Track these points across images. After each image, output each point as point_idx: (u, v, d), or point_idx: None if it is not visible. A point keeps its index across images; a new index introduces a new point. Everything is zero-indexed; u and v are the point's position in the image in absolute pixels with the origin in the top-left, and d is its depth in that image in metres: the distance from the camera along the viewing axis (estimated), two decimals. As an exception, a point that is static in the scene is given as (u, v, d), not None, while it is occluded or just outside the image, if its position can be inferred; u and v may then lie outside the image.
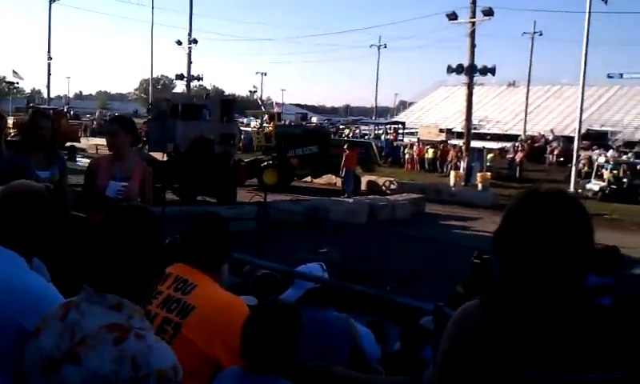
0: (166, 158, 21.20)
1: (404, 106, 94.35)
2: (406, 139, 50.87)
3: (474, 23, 32.23)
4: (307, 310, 3.62)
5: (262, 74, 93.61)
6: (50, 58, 55.80)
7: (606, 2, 31.90)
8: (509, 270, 1.78)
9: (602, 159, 32.57)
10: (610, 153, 37.53)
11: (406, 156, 39.81)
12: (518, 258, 1.74)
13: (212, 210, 3.09)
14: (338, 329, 3.62)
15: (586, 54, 31.39)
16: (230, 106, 22.86)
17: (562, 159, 39.39)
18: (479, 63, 32.11)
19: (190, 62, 45.75)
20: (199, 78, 47.68)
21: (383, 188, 27.52)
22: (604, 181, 29.80)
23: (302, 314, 3.51)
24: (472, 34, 32.17)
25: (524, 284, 1.74)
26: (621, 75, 71.65)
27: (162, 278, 2.04)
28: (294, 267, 4.18)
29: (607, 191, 28.79)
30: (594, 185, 29.92)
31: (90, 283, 1.89)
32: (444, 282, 11.59)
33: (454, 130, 53.92)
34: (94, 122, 59.09)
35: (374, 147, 30.32)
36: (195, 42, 46.06)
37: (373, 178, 28.79)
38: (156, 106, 23.61)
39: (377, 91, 74.65)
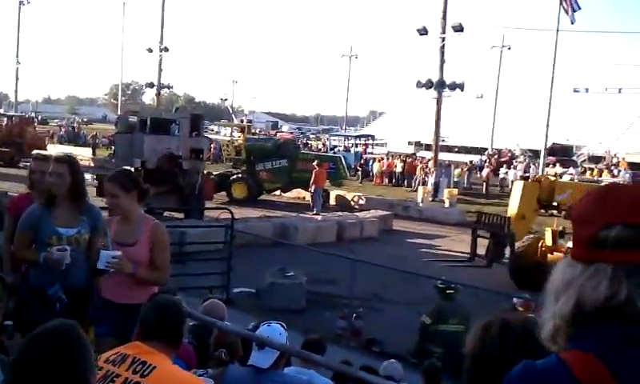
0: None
1: (374, 115, 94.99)
2: (376, 150, 51.21)
3: (444, 39, 32.63)
4: (271, 373, 3.74)
5: (233, 81, 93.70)
6: (18, 62, 55.04)
7: (572, 22, 32.55)
8: None
9: (566, 177, 33.15)
10: (572, 170, 38.14)
11: (375, 170, 39.99)
12: None
13: (166, 293, 3.14)
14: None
15: (553, 69, 32.01)
16: (199, 121, 22.74)
17: (527, 174, 39.90)
18: (449, 77, 32.52)
19: (160, 70, 45.54)
20: (169, 87, 47.55)
21: (352, 203, 27.65)
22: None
23: (266, 378, 3.61)
24: (442, 50, 32.55)
25: None
26: (587, 90, 73.16)
27: None
28: (259, 324, 4.27)
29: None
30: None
31: None
32: (407, 308, 11.78)
33: (422, 143, 54.39)
34: (62, 129, 58.36)
35: (343, 161, 30.44)
36: (166, 49, 45.84)
37: (342, 192, 28.89)
38: (124, 120, 23.42)
39: (347, 101, 74.98)
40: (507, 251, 15.84)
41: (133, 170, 20.46)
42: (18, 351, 1.86)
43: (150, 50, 46.15)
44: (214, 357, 4.54)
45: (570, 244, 15.03)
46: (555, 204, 16.52)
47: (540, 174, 31.59)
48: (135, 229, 4.42)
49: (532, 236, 16.27)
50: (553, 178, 20.03)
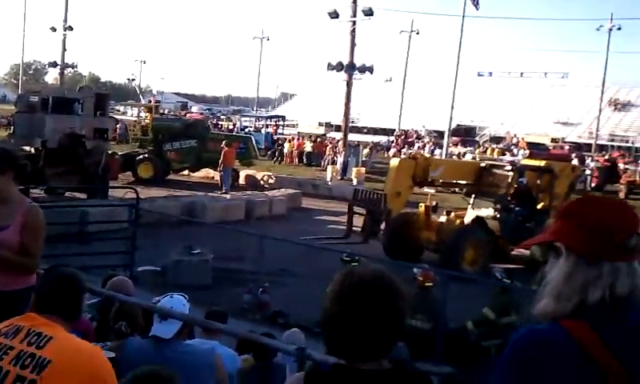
0: (33, 153, 20.29)
1: (285, 97, 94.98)
2: (287, 131, 51.35)
3: (354, 22, 33.03)
4: (174, 344, 3.78)
5: (141, 61, 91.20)
6: None
7: (477, 8, 33.66)
8: (334, 345, 1.99)
9: (468, 157, 34.41)
10: (470, 149, 39.58)
11: (285, 150, 40.16)
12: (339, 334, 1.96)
13: (64, 263, 3.08)
14: (205, 364, 3.76)
15: (459, 53, 33.02)
16: (104, 100, 22.16)
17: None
18: (359, 60, 32.99)
19: (64, 50, 43.78)
20: (73, 66, 45.86)
21: (261, 182, 27.70)
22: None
23: (169, 349, 3.65)
24: (352, 33, 32.96)
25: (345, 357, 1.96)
26: (490, 73, 75.88)
27: None
28: (161, 294, 4.31)
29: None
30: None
31: None
32: (313, 281, 11.96)
33: (332, 124, 54.95)
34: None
35: (253, 141, 30.40)
36: (70, 28, 44.11)
37: (251, 172, 28.89)
38: (24, 99, 22.50)
39: (259, 82, 74.64)
40: (383, 227, 15.96)
41: (30, 149, 19.95)
42: None
43: (54, 29, 44.31)
44: (113, 330, 4.53)
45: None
46: (429, 180, 16.75)
47: (442, 153, 32.67)
48: (10, 211, 4.08)
49: (406, 212, 16.56)
50: (427, 156, 20.60)
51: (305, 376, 2.01)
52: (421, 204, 16.80)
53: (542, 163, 16.83)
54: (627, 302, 1.69)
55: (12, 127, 26.85)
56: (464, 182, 17.10)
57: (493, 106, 62.77)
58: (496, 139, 53.38)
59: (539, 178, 16.29)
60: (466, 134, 52.27)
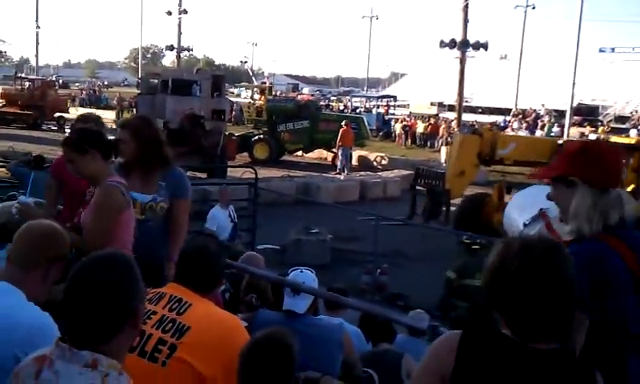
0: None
1: (396, 77, 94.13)
2: (398, 112, 50.80)
3: (467, -3, 32.01)
4: (305, 318, 3.73)
5: (252, 44, 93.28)
6: (38, 26, 55.21)
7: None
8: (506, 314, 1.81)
9: (592, 137, 32.69)
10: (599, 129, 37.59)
11: (397, 130, 39.71)
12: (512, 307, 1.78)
13: (209, 234, 3.01)
14: (333, 339, 3.70)
15: (579, 28, 31.39)
16: (220, 82, 22.71)
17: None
18: (472, 37, 31.97)
19: (180, 33, 45.25)
20: (189, 49, 47.35)
21: (374, 163, 27.53)
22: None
23: (300, 322, 3.59)
24: (465, 9, 31.96)
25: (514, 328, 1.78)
26: (612, 50, 71.78)
27: (138, 329, 1.98)
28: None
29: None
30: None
31: (65, 336, 1.85)
32: (430, 264, 11.69)
33: (445, 104, 53.83)
34: (83, 92, 58.61)
35: (365, 122, 30.24)
36: (185, 12, 45.55)
37: (364, 153, 28.77)
38: (146, 81, 23.42)
39: (369, 62, 74.40)
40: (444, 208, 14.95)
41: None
42: (71, 274, 1.86)
43: (169, 13, 45.87)
44: (244, 302, 4.53)
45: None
46: (498, 159, 15.43)
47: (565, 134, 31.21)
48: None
49: (477, 193, 15.00)
50: (495, 131, 18.86)
51: (462, 335, 1.83)
52: (494, 185, 14.91)
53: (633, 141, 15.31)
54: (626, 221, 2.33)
55: (135, 109, 28.12)
56: (538, 161, 14.77)
57: (616, 84, 59.35)
58: (621, 119, 50.43)
59: (628, 156, 14.55)
60: (588, 113, 49.63)
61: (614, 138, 18.08)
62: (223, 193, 10.96)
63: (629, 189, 14.28)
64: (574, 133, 35.61)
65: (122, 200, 3.63)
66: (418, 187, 16.23)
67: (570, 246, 2.17)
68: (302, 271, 4.04)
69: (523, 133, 36.82)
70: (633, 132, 34.18)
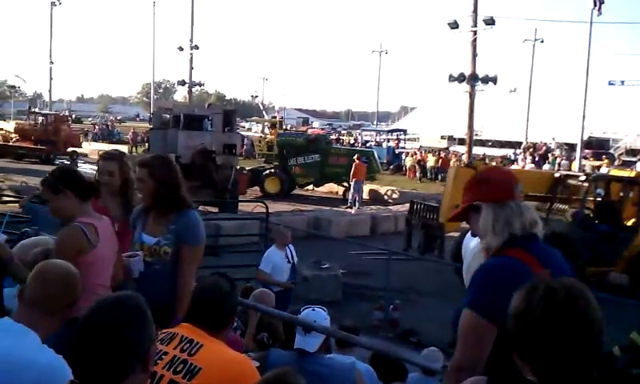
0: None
1: (405, 111, 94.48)
2: (408, 145, 50.87)
3: (475, 32, 32.20)
4: (317, 357, 3.69)
5: (263, 78, 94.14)
6: (51, 62, 55.87)
7: (599, 13, 31.84)
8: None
9: (604, 170, 32.53)
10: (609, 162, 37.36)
11: (408, 164, 39.72)
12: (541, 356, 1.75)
13: (223, 273, 3.00)
14: (345, 379, 3.66)
15: (587, 61, 31.40)
16: (231, 116, 22.89)
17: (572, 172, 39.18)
18: (481, 71, 32.06)
19: (191, 68, 45.61)
20: (201, 84, 47.66)
21: (385, 197, 27.50)
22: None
23: (311, 362, 3.55)
24: (473, 43, 32.10)
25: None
26: (622, 82, 71.81)
27: (149, 372, 1.98)
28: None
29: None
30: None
31: (77, 379, 1.85)
32: (442, 299, 11.59)
33: (455, 137, 53.87)
34: (95, 127, 59.14)
35: (376, 155, 30.30)
36: (197, 47, 46.01)
37: (375, 186, 28.76)
38: (158, 116, 23.61)
39: (378, 96, 74.79)
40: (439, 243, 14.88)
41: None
42: (83, 317, 1.88)
43: (181, 49, 46.32)
44: (255, 341, 4.50)
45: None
46: None
47: (577, 167, 31.08)
48: None
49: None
50: (487, 164, 18.58)
51: (487, 382, 1.81)
52: None
53: (632, 174, 15.14)
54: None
55: (147, 144, 28.31)
56: (534, 195, 14.83)
57: (627, 117, 59.26)
58: (632, 152, 50.24)
59: (627, 190, 14.48)
60: (598, 146, 49.50)
61: (614, 171, 17.90)
62: (279, 236, 9.33)
63: (629, 223, 14.25)
64: (588, 166, 35.45)
65: (83, 242, 3.56)
66: (412, 222, 16.23)
67: (487, 261, 2.49)
68: (313, 309, 4.01)
69: (529, 166, 36.76)
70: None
